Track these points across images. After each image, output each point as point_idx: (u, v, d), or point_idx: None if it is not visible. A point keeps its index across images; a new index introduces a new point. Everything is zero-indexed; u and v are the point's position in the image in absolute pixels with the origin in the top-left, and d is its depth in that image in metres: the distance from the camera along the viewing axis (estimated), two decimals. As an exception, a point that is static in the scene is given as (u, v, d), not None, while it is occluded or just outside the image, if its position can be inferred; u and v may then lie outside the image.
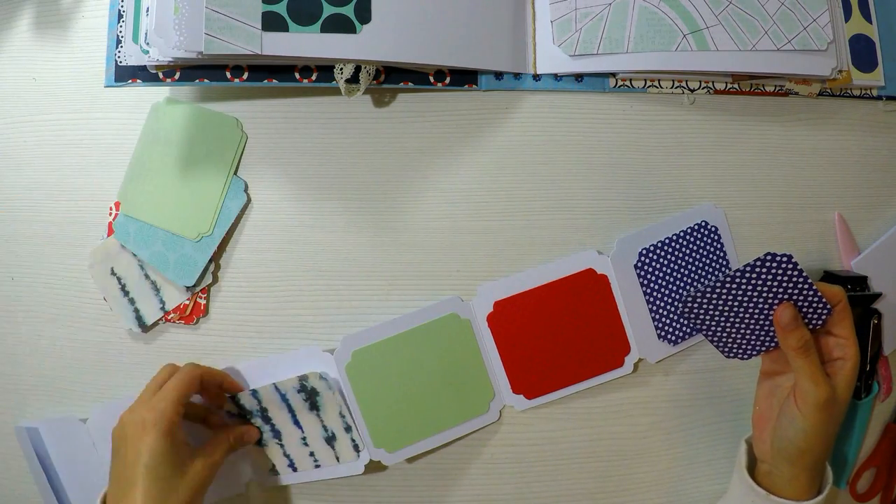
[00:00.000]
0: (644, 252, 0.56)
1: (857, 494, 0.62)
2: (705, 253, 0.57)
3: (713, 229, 0.57)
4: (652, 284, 0.57)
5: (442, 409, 0.56)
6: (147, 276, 0.56)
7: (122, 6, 0.52)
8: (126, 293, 0.56)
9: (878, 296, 0.58)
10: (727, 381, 0.60)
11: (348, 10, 0.50)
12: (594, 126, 0.58)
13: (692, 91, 0.58)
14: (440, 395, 0.56)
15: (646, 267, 0.57)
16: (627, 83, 0.58)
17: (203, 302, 0.57)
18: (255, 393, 0.54)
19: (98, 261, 0.57)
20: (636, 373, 0.58)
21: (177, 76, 0.52)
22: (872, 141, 0.61)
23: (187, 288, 0.56)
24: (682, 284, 0.57)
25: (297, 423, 0.55)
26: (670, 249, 0.57)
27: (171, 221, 0.56)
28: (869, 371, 0.59)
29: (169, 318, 0.57)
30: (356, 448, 0.55)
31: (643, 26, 0.55)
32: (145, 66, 0.52)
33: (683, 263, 0.57)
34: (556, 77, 0.57)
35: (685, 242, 0.57)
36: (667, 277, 0.57)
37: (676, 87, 0.58)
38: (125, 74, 0.52)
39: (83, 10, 0.58)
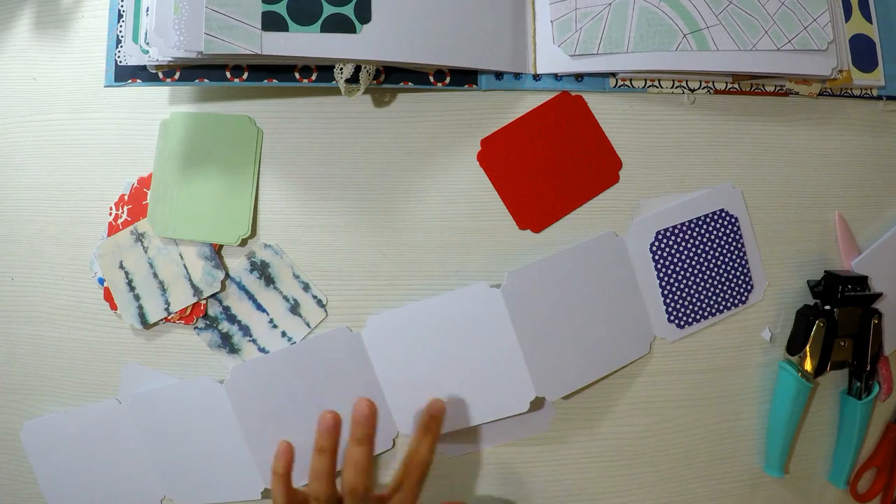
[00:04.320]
0: (661, 233, 0.57)
1: (858, 495, 0.62)
2: (723, 240, 0.58)
3: (733, 220, 0.58)
4: (666, 267, 0.57)
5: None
6: (155, 275, 0.56)
7: (122, 6, 0.52)
8: (132, 289, 0.56)
9: (878, 296, 0.58)
10: (727, 382, 0.60)
11: (348, 10, 0.50)
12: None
13: (692, 91, 0.58)
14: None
15: (661, 249, 0.57)
16: (627, 83, 0.58)
17: (204, 302, 0.57)
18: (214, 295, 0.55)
19: (107, 253, 0.57)
20: (636, 374, 0.58)
21: (177, 76, 0.52)
22: (873, 141, 0.61)
23: (195, 293, 0.56)
24: (696, 270, 0.58)
25: (259, 307, 0.55)
26: (688, 233, 0.57)
27: (208, 232, 0.56)
28: (869, 371, 0.59)
29: (169, 317, 0.57)
30: (320, 304, 0.56)
31: (643, 26, 0.55)
32: (145, 65, 0.52)
33: (699, 249, 0.58)
34: (557, 77, 0.57)
35: (703, 228, 0.58)
36: (682, 261, 0.57)
37: (676, 87, 0.58)
38: (125, 74, 0.52)
39: (83, 10, 0.58)
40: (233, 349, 0.57)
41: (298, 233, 0.57)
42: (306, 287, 0.56)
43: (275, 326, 0.56)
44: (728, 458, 0.60)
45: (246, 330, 0.56)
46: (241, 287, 0.56)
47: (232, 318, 0.56)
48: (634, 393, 0.59)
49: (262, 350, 0.56)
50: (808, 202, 0.60)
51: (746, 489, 0.61)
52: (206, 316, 0.56)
